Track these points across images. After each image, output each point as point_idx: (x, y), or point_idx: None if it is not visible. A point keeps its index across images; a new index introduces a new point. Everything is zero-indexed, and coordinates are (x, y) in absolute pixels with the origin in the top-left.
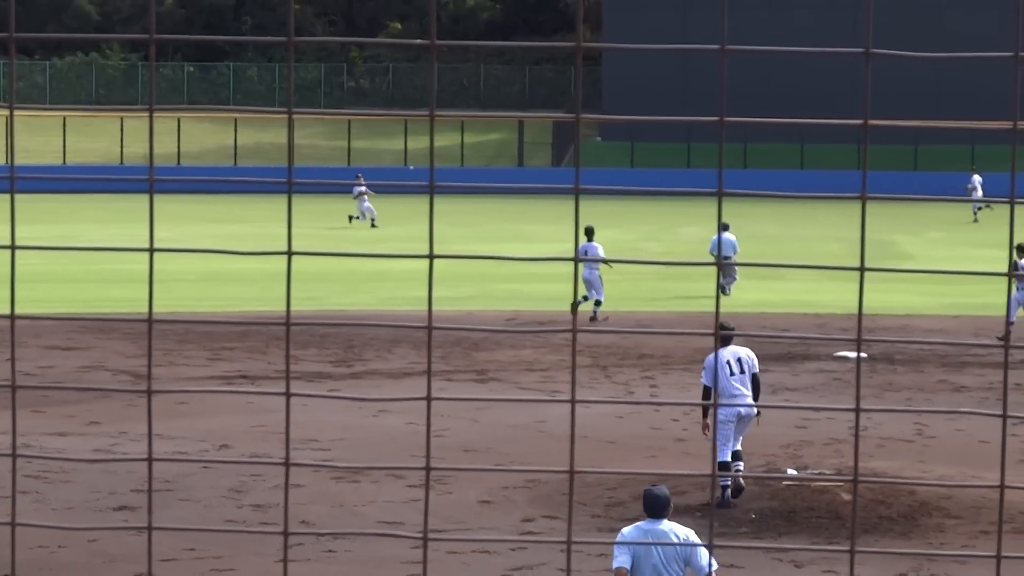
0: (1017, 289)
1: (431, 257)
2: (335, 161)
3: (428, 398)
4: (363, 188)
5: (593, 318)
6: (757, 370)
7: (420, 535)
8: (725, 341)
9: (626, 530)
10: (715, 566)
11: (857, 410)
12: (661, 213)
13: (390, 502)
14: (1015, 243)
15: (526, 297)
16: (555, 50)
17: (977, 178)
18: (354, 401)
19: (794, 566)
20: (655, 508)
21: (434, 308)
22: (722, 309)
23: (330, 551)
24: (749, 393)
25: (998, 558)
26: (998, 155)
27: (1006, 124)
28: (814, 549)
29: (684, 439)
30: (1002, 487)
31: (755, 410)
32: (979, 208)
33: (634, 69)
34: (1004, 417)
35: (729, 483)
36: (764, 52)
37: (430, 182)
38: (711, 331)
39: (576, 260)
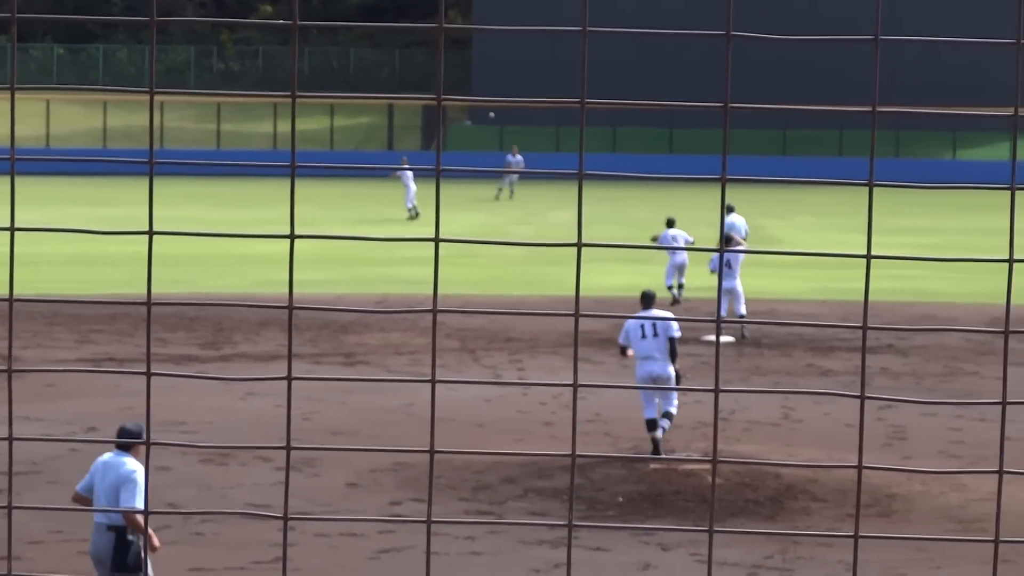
0: (670, 255)
1: (292, 237)
2: (205, 143)
3: (288, 378)
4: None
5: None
6: (674, 334)
7: (282, 516)
8: (647, 303)
9: (100, 458)
10: (140, 506)
11: (716, 391)
12: (529, 197)
13: (258, 485)
14: (668, 218)
15: (395, 280)
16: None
17: (513, 157)
18: (220, 382)
19: (661, 548)
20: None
21: (304, 291)
22: (599, 294)
23: (198, 533)
24: (662, 357)
25: (855, 539)
26: (865, 140)
27: (866, 108)
28: (674, 529)
29: (552, 423)
30: (859, 467)
31: (670, 372)
32: (511, 186)
33: (504, 54)
34: (862, 399)
35: (660, 435)
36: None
37: (291, 163)
38: (572, 312)
39: (436, 240)
